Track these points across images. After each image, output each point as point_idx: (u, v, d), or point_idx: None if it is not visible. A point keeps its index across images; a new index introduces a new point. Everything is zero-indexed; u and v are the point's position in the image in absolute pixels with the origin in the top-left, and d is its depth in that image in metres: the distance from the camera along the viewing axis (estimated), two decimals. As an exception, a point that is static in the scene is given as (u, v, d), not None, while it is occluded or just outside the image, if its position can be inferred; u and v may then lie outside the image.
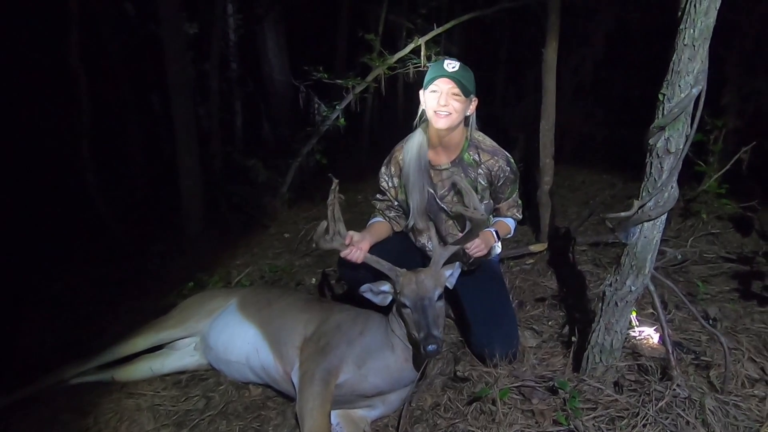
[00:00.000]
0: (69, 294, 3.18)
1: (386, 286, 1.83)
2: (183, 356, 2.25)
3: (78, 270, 3.53)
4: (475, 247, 1.99)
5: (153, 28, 4.11)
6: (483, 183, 2.16)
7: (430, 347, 1.60)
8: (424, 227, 2.24)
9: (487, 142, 2.19)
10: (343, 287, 2.94)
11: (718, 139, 3.33)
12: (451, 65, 1.98)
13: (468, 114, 2.09)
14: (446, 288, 1.86)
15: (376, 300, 1.85)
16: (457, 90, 1.97)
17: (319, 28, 6.99)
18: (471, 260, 2.23)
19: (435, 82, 1.99)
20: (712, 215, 3.28)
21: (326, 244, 1.84)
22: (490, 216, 2.29)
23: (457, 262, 1.94)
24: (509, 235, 2.34)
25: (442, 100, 1.97)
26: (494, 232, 2.17)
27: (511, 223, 2.30)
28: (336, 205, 1.82)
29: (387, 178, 2.27)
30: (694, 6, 1.39)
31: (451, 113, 1.99)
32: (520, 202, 2.32)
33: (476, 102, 2.09)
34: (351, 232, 1.92)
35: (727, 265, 2.79)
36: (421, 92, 2.07)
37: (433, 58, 3.92)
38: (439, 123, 2.00)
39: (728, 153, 3.35)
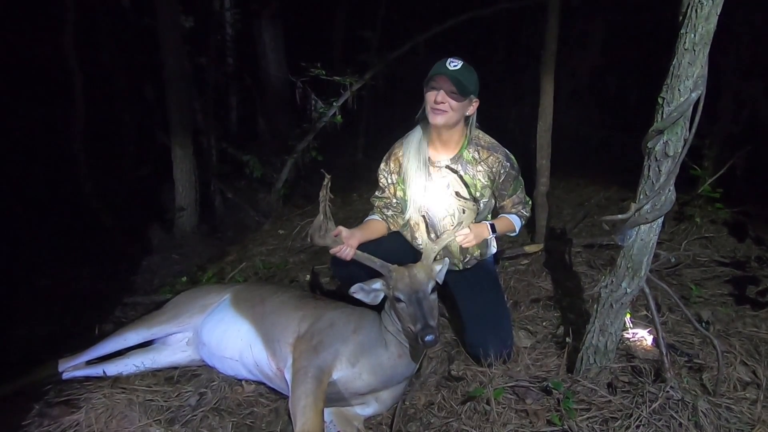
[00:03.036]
0: (61, 288, 3.15)
1: (378, 284, 1.82)
2: (175, 351, 2.23)
3: (70, 264, 3.49)
4: (462, 236, 2.00)
5: (149, 22, 4.06)
6: (483, 181, 2.16)
7: (428, 337, 1.61)
8: (420, 222, 2.24)
9: (486, 139, 2.19)
10: (336, 283, 2.93)
11: (713, 143, 3.35)
12: (453, 63, 1.99)
13: (468, 114, 2.10)
14: (438, 285, 1.86)
15: (367, 299, 1.84)
16: (455, 89, 1.97)
17: (316, 24, 6.96)
18: (466, 259, 2.23)
19: (435, 79, 2.00)
20: (706, 219, 3.31)
21: (320, 240, 1.85)
22: (488, 215, 2.29)
23: (446, 258, 1.97)
24: (514, 233, 2.30)
25: (439, 98, 1.99)
26: (489, 225, 2.15)
27: (515, 220, 2.25)
28: (326, 201, 1.82)
29: (386, 175, 2.26)
30: (695, 11, 1.39)
31: (447, 111, 2.00)
32: (527, 199, 2.30)
33: (477, 102, 2.09)
34: (340, 228, 1.92)
35: (720, 269, 2.81)
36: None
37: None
38: (436, 119, 2.02)
39: (723, 157, 3.38)
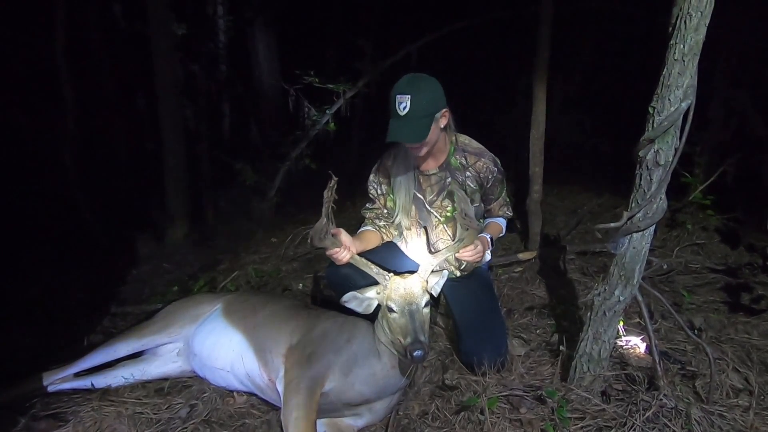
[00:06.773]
0: (49, 298, 3.10)
1: (372, 292, 1.81)
2: (166, 362, 2.20)
3: (59, 273, 3.45)
4: (472, 253, 1.99)
5: (140, 28, 4.06)
6: (472, 186, 2.17)
7: (417, 353, 1.58)
8: (409, 226, 2.23)
9: (473, 144, 2.20)
10: (329, 292, 2.91)
11: (703, 151, 3.38)
12: (402, 105, 1.89)
13: (442, 126, 2.04)
14: (433, 297, 1.85)
15: (360, 308, 1.81)
16: (412, 140, 1.93)
17: (310, 31, 6.98)
18: (462, 266, 2.23)
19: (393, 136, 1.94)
20: (698, 226, 3.33)
21: (320, 241, 1.82)
22: (481, 219, 2.29)
23: (445, 270, 1.94)
24: (502, 234, 2.35)
25: (408, 146, 2.01)
26: (489, 238, 2.17)
27: (502, 223, 2.32)
28: (330, 203, 1.80)
29: (375, 186, 2.26)
30: (685, 22, 1.41)
31: (421, 146, 1.99)
32: (508, 200, 2.34)
33: (446, 111, 2.01)
34: (339, 229, 1.90)
35: (712, 276, 2.83)
36: None
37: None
38: (415, 155, 2.04)
39: (713, 165, 3.42)
